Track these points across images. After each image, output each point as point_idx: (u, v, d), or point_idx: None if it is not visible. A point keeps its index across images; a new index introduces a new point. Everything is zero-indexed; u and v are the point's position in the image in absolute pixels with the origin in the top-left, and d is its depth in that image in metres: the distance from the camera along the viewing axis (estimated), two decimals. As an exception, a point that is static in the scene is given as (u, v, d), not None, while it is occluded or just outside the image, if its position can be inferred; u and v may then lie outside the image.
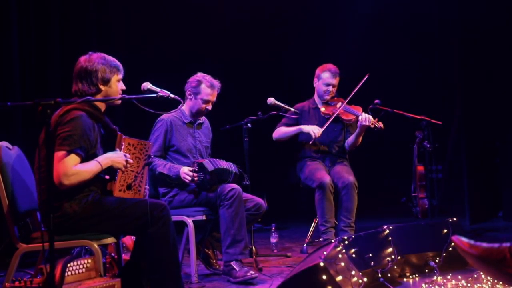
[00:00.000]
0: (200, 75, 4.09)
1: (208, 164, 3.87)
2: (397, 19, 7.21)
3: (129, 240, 3.79)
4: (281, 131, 4.84)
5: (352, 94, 4.77)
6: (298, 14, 7.39)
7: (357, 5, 7.30)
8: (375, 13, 7.24)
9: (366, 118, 4.62)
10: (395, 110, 4.98)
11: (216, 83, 4.08)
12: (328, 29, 7.44)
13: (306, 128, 4.71)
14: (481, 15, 6.08)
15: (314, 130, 4.65)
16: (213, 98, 4.08)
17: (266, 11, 7.14)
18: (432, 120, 4.96)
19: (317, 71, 4.92)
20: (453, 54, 6.44)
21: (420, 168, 5.43)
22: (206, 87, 4.04)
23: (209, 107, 4.09)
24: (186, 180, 3.86)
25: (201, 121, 4.21)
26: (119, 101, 3.08)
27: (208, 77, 4.08)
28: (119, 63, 3.13)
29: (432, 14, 7.09)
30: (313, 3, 7.36)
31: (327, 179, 4.56)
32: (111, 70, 3.06)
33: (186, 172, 3.86)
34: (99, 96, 3.04)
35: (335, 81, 4.86)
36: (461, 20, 6.22)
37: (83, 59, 3.07)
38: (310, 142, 4.71)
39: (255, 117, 4.30)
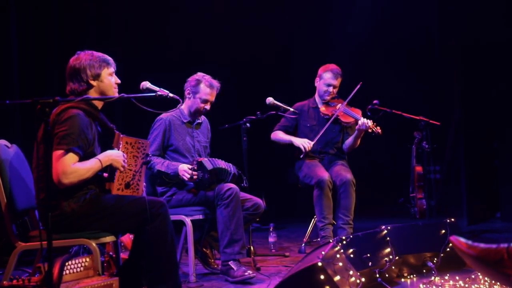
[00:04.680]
0: (199, 74, 4.09)
1: (207, 163, 3.88)
2: (396, 20, 7.21)
3: (127, 239, 3.80)
4: (277, 136, 4.89)
5: (350, 97, 4.77)
6: (299, 15, 7.38)
7: (357, 6, 7.30)
8: (374, 14, 7.24)
9: (364, 123, 4.62)
10: (393, 111, 4.98)
11: (215, 83, 4.08)
12: (329, 30, 7.44)
13: (297, 141, 4.73)
14: (480, 18, 6.09)
15: (305, 144, 4.66)
16: (212, 98, 4.08)
17: (266, 11, 7.14)
18: (431, 121, 4.96)
19: (320, 71, 4.93)
20: (452, 55, 6.45)
21: (418, 168, 5.43)
22: (205, 87, 4.04)
23: (208, 106, 4.09)
24: (184, 178, 3.86)
25: (200, 121, 4.21)
26: (116, 96, 3.08)
27: (207, 77, 4.08)
28: (108, 57, 3.11)
29: (432, 16, 7.09)
30: (314, 5, 7.36)
31: (326, 176, 4.57)
32: (100, 64, 3.05)
33: (185, 169, 3.86)
34: (92, 91, 3.03)
35: (336, 82, 4.85)
36: (460, 22, 6.23)
37: (72, 59, 3.08)
38: (301, 156, 4.72)
39: (254, 117, 4.31)
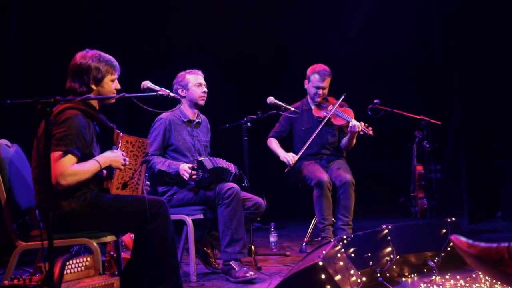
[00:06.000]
0: (179, 74, 4.14)
1: (208, 162, 3.88)
2: (396, 20, 7.21)
3: (128, 238, 3.80)
4: (270, 145, 4.95)
5: (339, 101, 4.81)
6: (299, 12, 7.38)
7: (357, 4, 7.31)
8: (374, 13, 7.24)
9: (355, 125, 4.65)
10: (394, 110, 4.99)
11: (196, 70, 4.16)
12: (328, 28, 7.43)
13: (281, 156, 4.78)
14: (481, 17, 6.08)
15: (288, 158, 4.70)
16: (203, 81, 4.13)
17: (266, 9, 7.14)
18: (432, 120, 4.96)
19: (308, 72, 4.94)
20: (452, 55, 6.45)
21: (419, 168, 5.43)
22: (190, 75, 4.11)
23: (205, 88, 4.12)
24: (184, 177, 3.86)
25: (200, 120, 4.21)
26: (113, 100, 3.06)
27: (187, 70, 4.15)
28: (115, 63, 3.07)
29: (432, 14, 7.09)
30: (315, 5, 7.35)
31: (325, 177, 4.59)
32: (107, 69, 3.01)
33: (185, 169, 3.86)
34: (91, 94, 2.99)
35: (324, 83, 4.86)
36: (461, 21, 6.22)
37: (79, 55, 3.03)
38: (286, 170, 4.74)
39: (254, 116, 4.31)
